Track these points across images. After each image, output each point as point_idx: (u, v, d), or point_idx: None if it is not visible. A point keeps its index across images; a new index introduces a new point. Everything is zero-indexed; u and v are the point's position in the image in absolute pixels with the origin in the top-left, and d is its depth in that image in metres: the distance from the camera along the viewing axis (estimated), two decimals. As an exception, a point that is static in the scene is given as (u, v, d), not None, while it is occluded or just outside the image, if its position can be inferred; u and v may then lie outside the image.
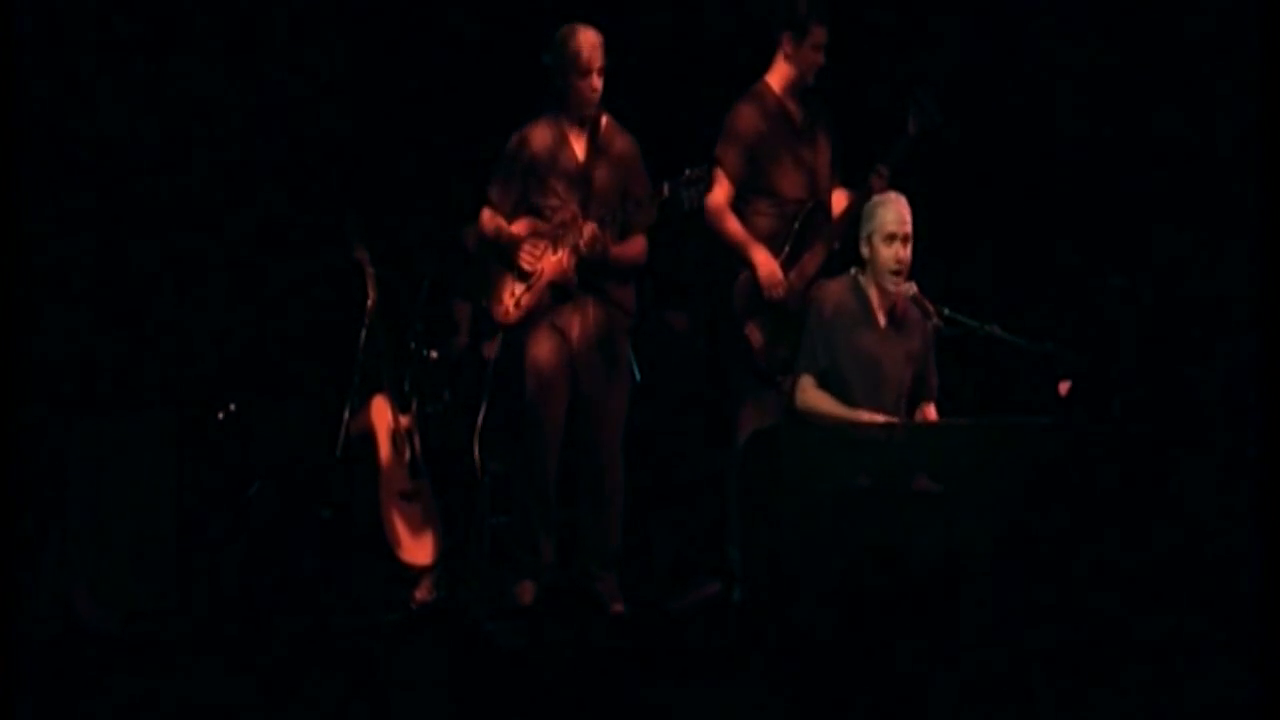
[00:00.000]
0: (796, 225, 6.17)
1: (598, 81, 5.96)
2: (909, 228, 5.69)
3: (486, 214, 6.12)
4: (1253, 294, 5.66)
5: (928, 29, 6.85)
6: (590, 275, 6.00)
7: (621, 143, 6.10)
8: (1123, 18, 6.63)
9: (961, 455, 5.30)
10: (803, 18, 6.13)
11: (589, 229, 5.92)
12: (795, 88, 6.21)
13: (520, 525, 6.06)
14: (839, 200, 6.21)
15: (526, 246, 6.01)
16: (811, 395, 5.69)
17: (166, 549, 5.94)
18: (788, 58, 6.18)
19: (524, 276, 6.03)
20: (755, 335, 6.13)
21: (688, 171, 5.90)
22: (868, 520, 5.23)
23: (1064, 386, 5.50)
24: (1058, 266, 6.65)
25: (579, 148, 6.06)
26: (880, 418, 5.58)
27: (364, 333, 6.40)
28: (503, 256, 6.07)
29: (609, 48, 5.99)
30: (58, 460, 5.78)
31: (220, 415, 6.47)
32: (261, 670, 5.18)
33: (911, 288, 5.73)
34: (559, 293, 6.01)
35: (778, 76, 6.22)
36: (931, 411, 5.86)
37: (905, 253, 5.70)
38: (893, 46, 6.83)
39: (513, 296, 6.04)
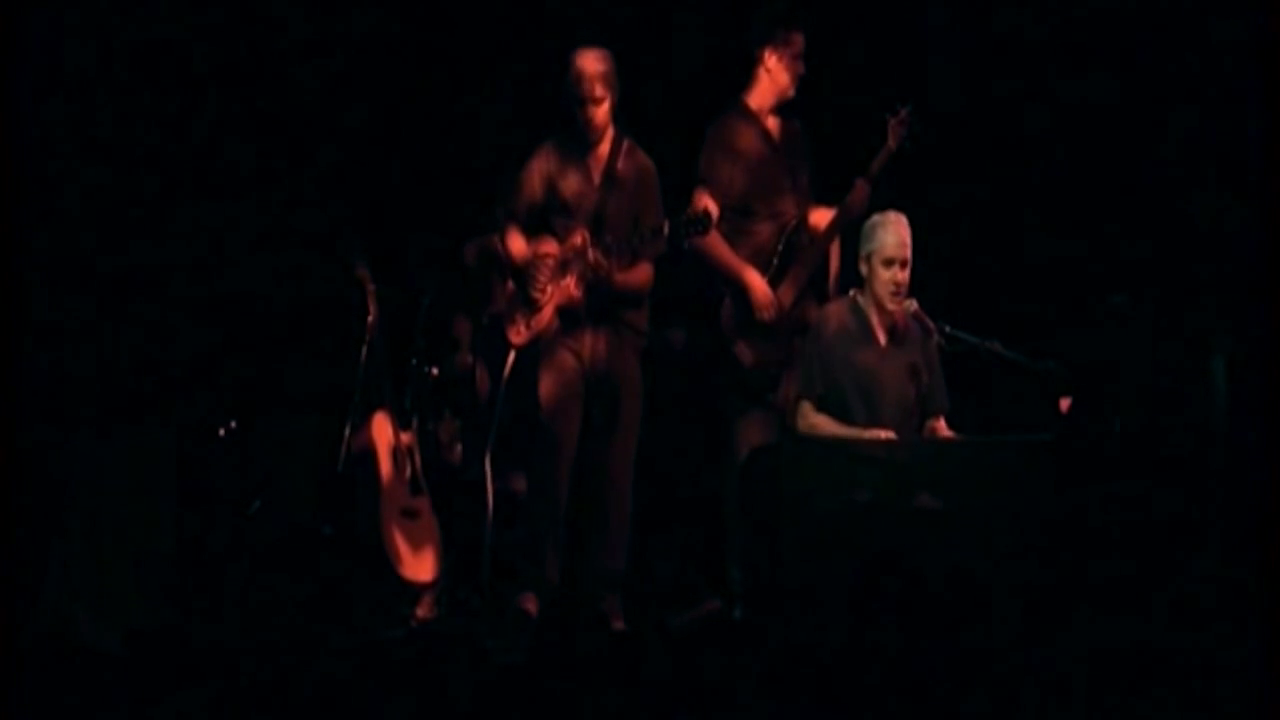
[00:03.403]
0: (782, 241, 6.19)
1: (594, 110, 5.93)
2: (908, 251, 5.72)
3: (506, 230, 6.11)
4: (1254, 305, 5.67)
5: (916, 43, 6.87)
6: (599, 300, 6.00)
7: (637, 167, 6.07)
8: (1123, 29, 6.65)
9: (962, 472, 5.31)
10: (781, 28, 6.15)
11: (592, 255, 5.91)
12: (776, 104, 6.23)
13: (528, 542, 6.06)
14: (821, 216, 6.23)
15: (538, 269, 6.00)
16: (812, 418, 5.71)
17: (167, 566, 5.93)
18: (770, 72, 6.21)
19: (535, 299, 6.02)
20: (745, 354, 6.15)
21: (689, 211, 5.91)
22: (869, 537, 5.23)
23: (1065, 404, 5.50)
24: (1058, 284, 6.65)
25: (595, 170, 6.05)
26: (883, 434, 5.59)
27: (365, 350, 6.39)
28: (516, 276, 6.07)
29: (624, 70, 5.99)
30: (58, 478, 5.77)
31: (221, 432, 6.46)
32: (262, 688, 5.17)
33: (912, 304, 5.76)
34: (567, 317, 6.01)
35: (758, 94, 6.24)
36: (942, 425, 5.86)
37: (904, 275, 5.72)
38: (875, 61, 6.85)
39: (524, 317, 6.04)
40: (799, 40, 6.18)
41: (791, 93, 6.23)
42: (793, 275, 6.19)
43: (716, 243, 6.10)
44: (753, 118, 6.25)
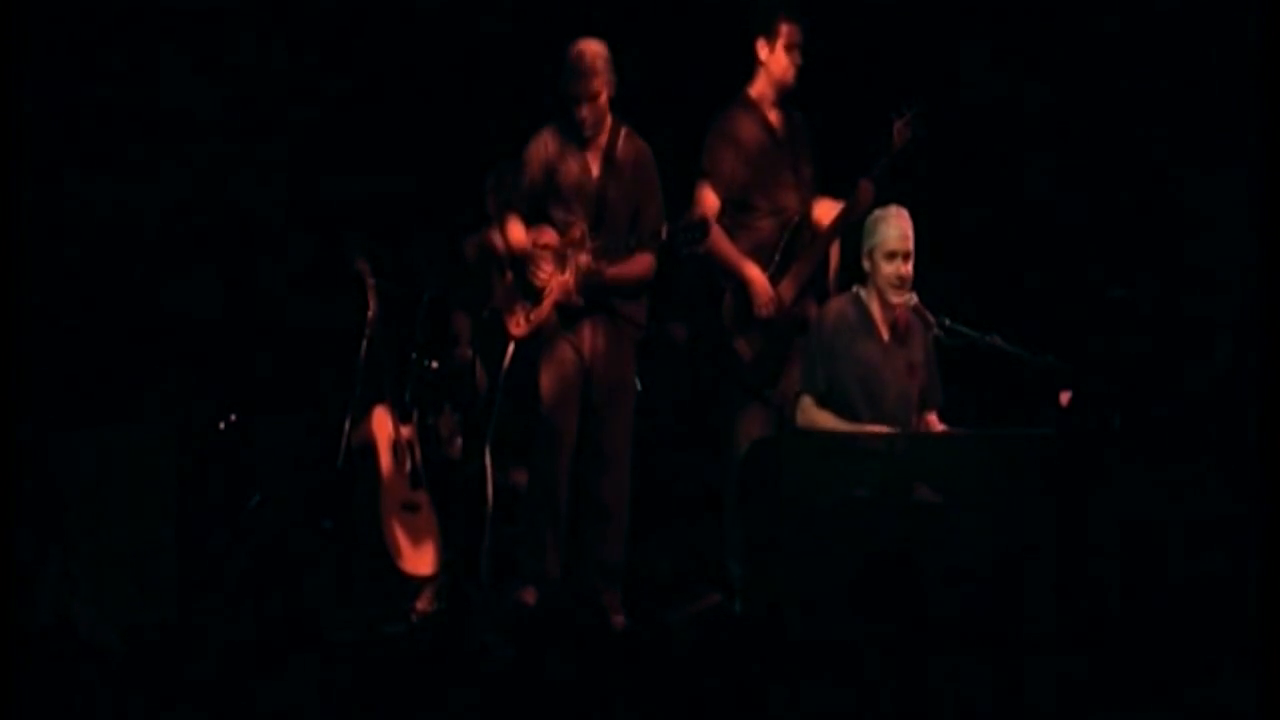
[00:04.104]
0: (785, 236, 6.18)
1: (592, 103, 5.92)
2: (910, 244, 5.72)
3: (506, 217, 6.10)
4: (1253, 304, 5.67)
5: (920, 39, 6.86)
6: (598, 293, 5.99)
7: (636, 157, 6.06)
8: (1122, 22, 6.65)
9: (962, 466, 5.31)
10: (770, 18, 6.14)
11: (584, 260, 5.90)
12: (777, 96, 6.22)
13: (529, 535, 6.07)
14: (826, 210, 6.22)
15: (538, 260, 6.00)
16: (812, 414, 5.71)
17: (167, 562, 5.94)
18: (764, 64, 6.20)
19: (535, 292, 6.02)
20: (745, 350, 6.14)
21: (685, 219, 5.90)
22: (868, 531, 5.23)
23: (1064, 397, 5.50)
24: (1059, 278, 6.66)
25: (593, 161, 6.04)
26: (884, 429, 5.59)
27: (365, 344, 6.40)
28: (515, 265, 6.07)
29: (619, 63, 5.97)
30: (57, 473, 5.77)
31: (221, 427, 6.47)
32: (263, 683, 5.18)
33: (913, 298, 5.76)
34: (566, 311, 6.01)
35: (759, 87, 6.24)
36: (934, 420, 5.86)
37: (907, 268, 5.72)
38: (878, 58, 6.84)
39: (524, 310, 6.04)
40: (789, 30, 6.16)
41: (790, 83, 6.21)
42: (794, 272, 6.18)
43: (718, 237, 6.09)
44: (754, 109, 6.24)
